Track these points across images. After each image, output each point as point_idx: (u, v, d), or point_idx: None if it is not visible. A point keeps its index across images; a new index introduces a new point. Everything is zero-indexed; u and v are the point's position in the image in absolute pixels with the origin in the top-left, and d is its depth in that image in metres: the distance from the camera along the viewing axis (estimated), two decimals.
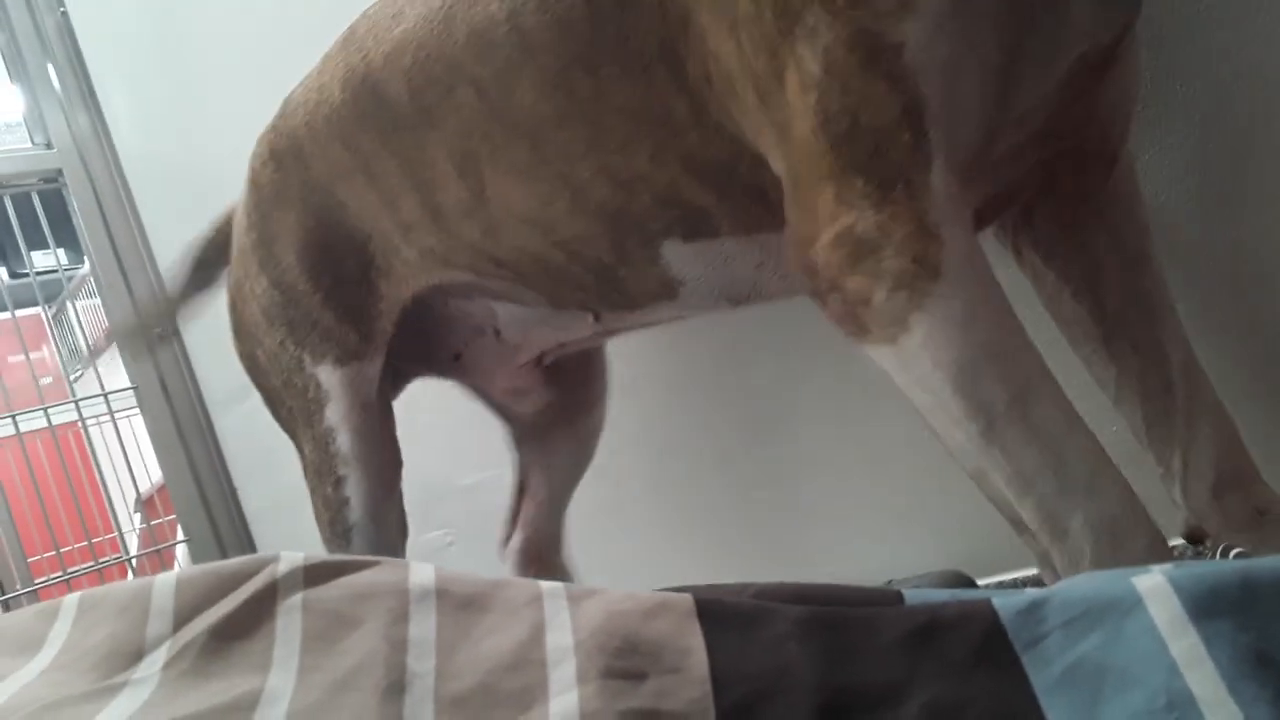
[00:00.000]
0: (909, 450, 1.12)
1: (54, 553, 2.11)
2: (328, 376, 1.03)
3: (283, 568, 0.47)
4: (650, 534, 1.39)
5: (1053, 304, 0.88)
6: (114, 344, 2.64)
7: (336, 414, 1.03)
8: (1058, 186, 0.84)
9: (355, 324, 1.03)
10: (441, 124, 0.87)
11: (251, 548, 2.00)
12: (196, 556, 1.99)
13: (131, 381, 1.99)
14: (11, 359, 2.77)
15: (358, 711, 0.40)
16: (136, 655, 0.46)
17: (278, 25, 1.73)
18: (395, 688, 0.42)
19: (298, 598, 0.46)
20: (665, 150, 0.79)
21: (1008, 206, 0.87)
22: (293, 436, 1.10)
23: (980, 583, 1.16)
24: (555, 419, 1.23)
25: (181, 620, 0.46)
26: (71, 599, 0.51)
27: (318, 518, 1.08)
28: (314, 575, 0.47)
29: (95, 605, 0.50)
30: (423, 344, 1.10)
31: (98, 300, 2.86)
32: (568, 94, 0.80)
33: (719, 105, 0.75)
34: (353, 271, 1.01)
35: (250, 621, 0.46)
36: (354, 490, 1.03)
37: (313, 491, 1.08)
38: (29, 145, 2.03)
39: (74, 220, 2.01)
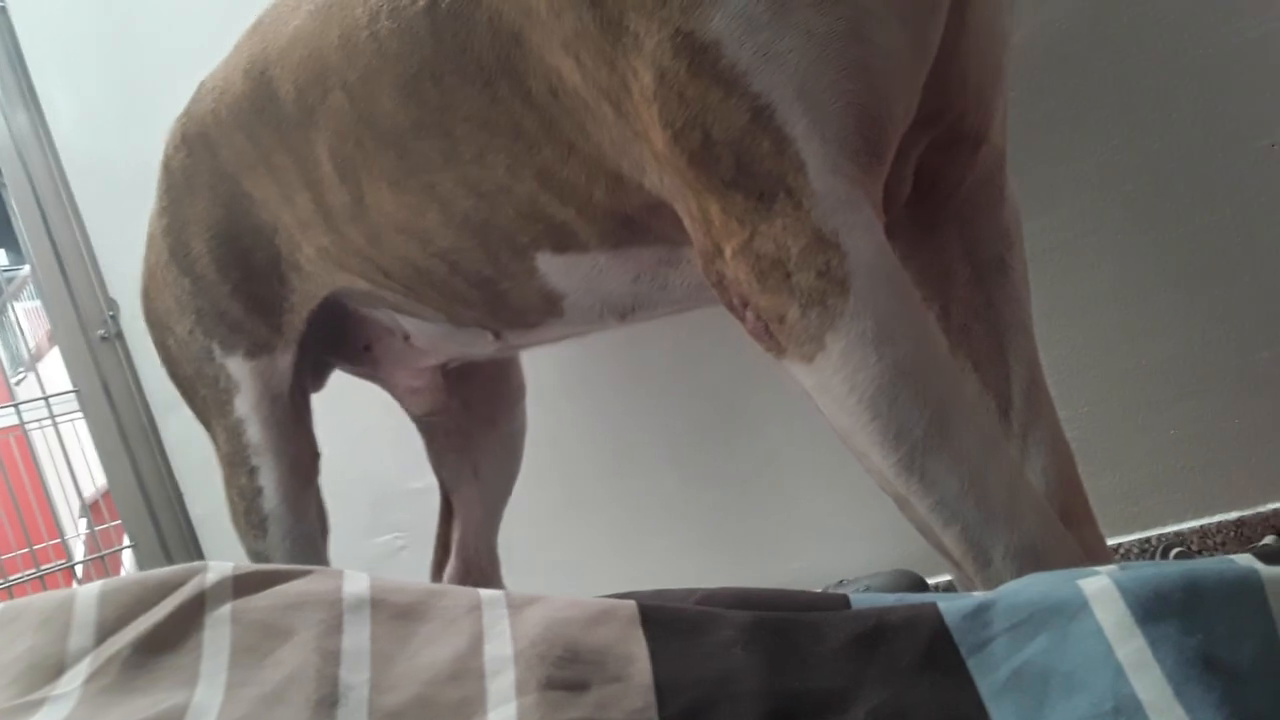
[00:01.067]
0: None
1: None
2: (237, 367, 1.02)
3: (211, 577, 0.46)
4: (602, 536, 1.39)
5: None
6: (55, 347, 2.59)
7: (246, 404, 1.02)
8: (921, 181, 0.76)
9: (265, 317, 1.02)
10: (323, 125, 0.86)
11: (198, 552, 1.96)
12: (143, 562, 1.96)
13: (74, 385, 1.95)
14: None
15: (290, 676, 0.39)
16: (57, 670, 0.44)
17: (219, 22, 1.70)
18: (327, 701, 0.40)
19: (226, 609, 0.45)
20: (520, 164, 0.76)
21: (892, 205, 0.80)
22: (207, 426, 1.09)
23: (930, 582, 1.16)
24: (475, 424, 1.22)
25: (105, 633, 0.45)
26: None
27: (232, 508, 1.08)
28: (243, 585, 0.46)
29: (15, 618, 0.48)
30: (337, 334, 1.09)
31: (39, 302, 2.80)
32: (420, 103, 0.78)
33: (572, 122, 0.71)
34: (262, 264, 1.00)
35: (177, 634, 0.44)
36: (267, 479, 1.03)
37: (227, 482, 1.07)
38: None
39: (13, 221, 1.96)
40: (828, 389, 0.61)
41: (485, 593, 0.48)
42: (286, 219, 0.96)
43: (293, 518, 1.04)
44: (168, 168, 1.05)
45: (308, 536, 1.05)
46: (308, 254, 0.97)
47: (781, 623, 0.46)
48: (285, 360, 1.03)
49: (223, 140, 0.97)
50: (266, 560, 1.04)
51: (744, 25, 0.59)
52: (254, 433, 1.02)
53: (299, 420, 1.06)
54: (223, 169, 0.98)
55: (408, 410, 1.19)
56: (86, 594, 0.47)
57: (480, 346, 1.02)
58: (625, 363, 1.31)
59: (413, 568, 1.49)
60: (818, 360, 0.61)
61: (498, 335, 0.98)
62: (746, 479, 1.27)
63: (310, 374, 1.09)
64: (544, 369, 1.27)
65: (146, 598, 0.46)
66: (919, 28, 0.62)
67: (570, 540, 1.39)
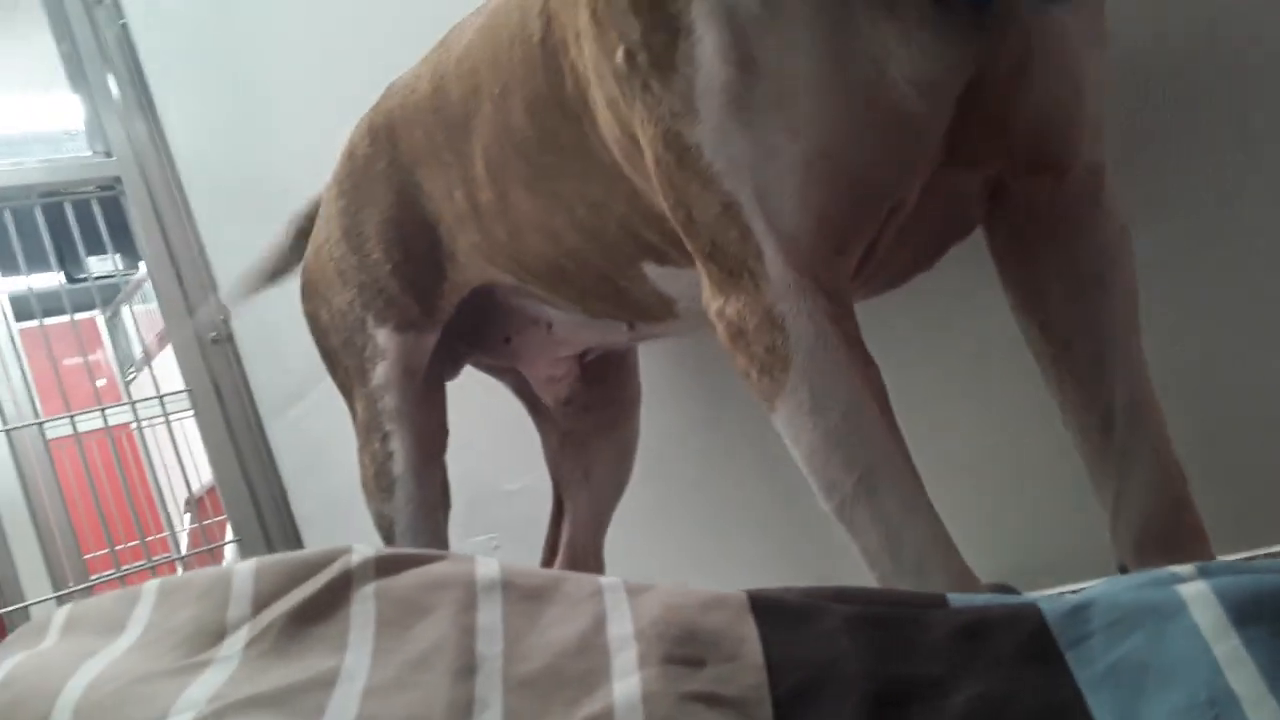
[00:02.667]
0: (953, 463, 1.13)
1: (108, 550, 2.16)
2: (385, 338, 1.09)
3: (356, 558, 0.50)
4: (692, 542, 1.40)
5: (1014, 315, 0.83)
6: (168, 347, 2.70)
7: (388, 374, 1.09)
8: (1005, 198, 0.78)
9: (418, 298, 1.08)
10: (478, 130, 0.94)
11: (300, 548, 2.03)
12: (246, 557, 2.03)
13: (186, 385, 2.03)
14: (68, 361, 2.83)
15: (431, 689, 0.43)
16: (219, 635, 0.48)
17: (330, 38, 1.77)
18: (466, 669, 0.44)
19: (370, 587, 0.48)
20: (611, 190, 0.83)
21: (957, 232, 0.82)
22: (347, 396, 1.16)
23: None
24: (593, 427, 1.25)
25: (261, 604, 0.49)
26: (151, 584, 0.54)
27: (363, 471, 1.13)
28: (385, 566, 0.50)
29: (176, 590, 0.52)
30: (478, 324, 1.15)
31: (153, 304, 2.92)
32: (539, 123, 0.86)
33: (629, 165, 0.79)
34: (423, 250, 1.06)
35: (326, 607, 0.48)
36: (398, 446, 1.09)
37: (360, 448, 1.13)
38: (88, 153, 2.09)
39: (131, 226, 2.06)
40: (785, 439, 0.71)
41: (604, 579, 0.51)
42: (447, 213, 1.03)
43: (416, 484, 1.09)
44: (352, 155, 1.12)
45: (429, 505, 1.11)
46: (462, 246, 1.03)
47: (884, 615, 0.49)
48: (429, 340, 1.10)
49: (404, 134, 1.05)
50: (390, 521, 1.11)
51: (720, 137, 0.66)
52: (391, 400, 1.08)
53: (433, 398, 1.12)
54: (400, 160, 1.06)
55: (545, 399, 1.23)
56: (243, 569, 0.51)
57: (616, 335, 1.07)
58: (725, 370, 1.33)
59: None
60: (773, 416, 0.70)
61: (631, 325, 1.03)
62: None
63: (449, 361, 1.16)
64: (646, 374, 1.30)
65: (297, 574, 0.50)
66: (898, 146, 0.67)
67: (665, 545, 1.41)
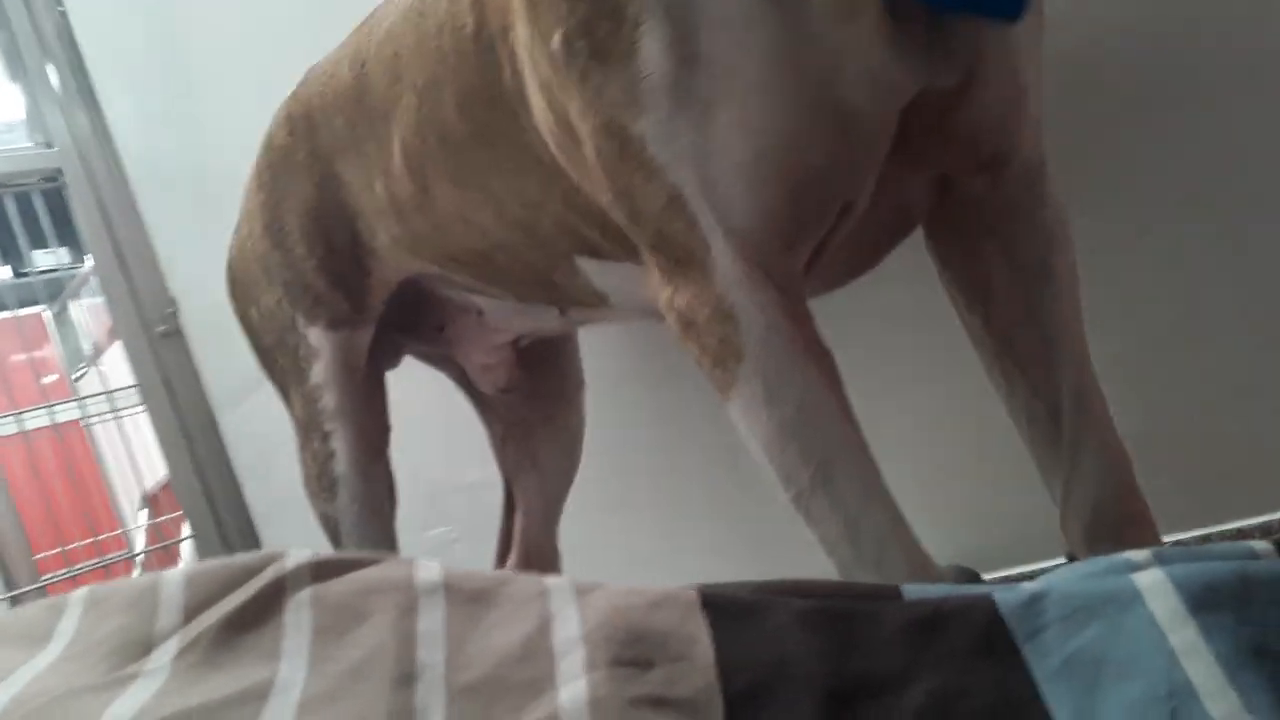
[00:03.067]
0: (912, 445, 1.13)
1: (59, 550, 2.12)
2: (318, 338, 1.07)
3: (290, 563, 0.48)
4: (651, 533, 1.40)
5: (957, 313, 0.84)
6: (115, 343, 2.65)
7: (324, 372, 1.07)
8: (948, 194, 0.79)
9: (346, 293, 1.06)
10: (398, 120, 0.91)
11: (257, 544, 2.00)
12: (203, 553, 2.00)
13: (136, 379, 1.99)
14: (14, 358, 2.77)
15: (370, 699, 0.41)
16: (146, 647, 0.46)
17: (275, 24, 1.74)
18: (406, 678, 0.42)
19: (306, 592, 0.47)
20: (547, 187, 0.82)
21: (904, 228, 0.82)
22: (284, 395, 1.14)
23: (985, 578, 1.17)
24: (536, 415, 1.25)
25: (191, 613, 0.47)
26: (79, 593, 0.52)
27: (305, 471, 1.12)
28: (321, 571, 0.48)
29: (104, 599, 0.50)
30: (411, 314, 1.13)
31: (100, 299, 2.87)
32: (471, 117, 0.84)
33: (564, 156, 0.77)
34: (345, 244, 1.04)
35: (260, 615, 0.46)
36: (340, 444, 1.07)
37: (301, 448, 1.12)
38: (29, 145, 2.04)
39: (75, 219, 2.01)
40: (740, 430, 0.70)
41: (550, 580, 0.50)
42: (366, 205, 1.00)
43: (361, 483, 1.08)
44: (270, 145, 1.09)
45: (375, 503, 1.09)
46: (382, 240, 1.01)
47: (838, 610, 0.48)
48: (363, 335, 1.08)
49: (324, 123, 1.02)
50: (335, 522, 1.09)
51: (666, 130, 0.65)
52: (329, 399, 1.06)
53: (372, 394, 1.11)
54: (320, 149, 1.03)
55: (483, 388, 1.22)
56: (172, 577, 0.49)
57: (548, 321, 1.06)
58: (678, 357, 1.32)
59: (466, 561, 1.52)
60: (727, 407, 0.70)
61: (562, 311, 1.02)
62: None
63: (387, 352, 1.15)
64: (599, 362, 1.29)
65: (230, 581, 0.48)
66: (847, 148, 0.67)
67: (623, 534, 1.40)
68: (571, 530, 1.29)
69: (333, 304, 1.06)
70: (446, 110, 0.85)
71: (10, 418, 2.10)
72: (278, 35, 1.69)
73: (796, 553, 1.29)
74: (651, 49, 0.64)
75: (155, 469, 2.35)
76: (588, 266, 0.88)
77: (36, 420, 2.17)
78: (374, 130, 0.95)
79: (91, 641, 0.47)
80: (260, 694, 0.41)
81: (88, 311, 3.20)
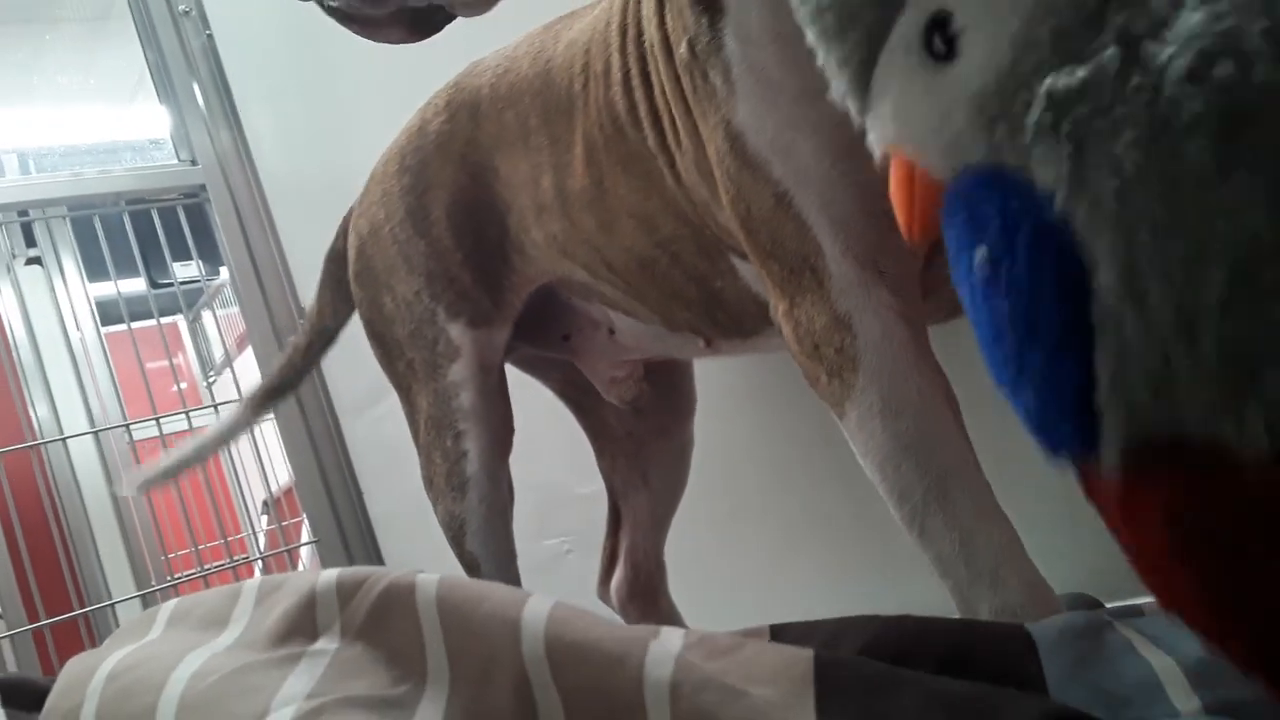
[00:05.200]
0: (1032, 471, 1.10)
1: (190, 550, 2.20)
2: (459, 334, 1.05)
3: (422, 579, 0.50)
4: (763, 549, 1.38)
5: None
6: (246, 351, 2.74)
7: (464, 371, 1.05)
8: None
9: (489, 291, 1.05)
10: (580, 110, 0.91)
11: (375, 548, 2.06)
12: (324, 558, 2.06)
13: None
14: (152, 364, 2.89)
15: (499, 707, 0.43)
16: (312, 635, 0.49)
17: (412, 49, 1.79)
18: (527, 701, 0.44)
19: (434, 611, 0.49)
20: (701, 173, 0.80)
21: None
22: (404, 390, 1.13)
23: (1109, 605, 1.14)
24: (649, 431, 1.23)
25: (344, 610, 0.50)
26: (252, 583, 0.57)
27: (431, 470, 1.10)
28: (447, 593, 0.50)
29: (274, 589, 0.54)
30: (536, 319, 1.11)
31: (233, 309, 2.98)
32: (634, 100, 0.83)
33: (698, 172, 0.77)
34: (493, 240, 1.03)
35: (397, 625, 0.49)
36: (473, 445, 1.06)
37: (428, 445, 1.09)
38: (174, 162, 2.14)
39: (215, 232, 2.10)
40: (853, 445, 0.69)
41: (664, 631, 0.49)
42: (524, 201, 0.99)
43: (490, 485, 1.07)
44: (422, 130, 1.08)
45: (500, 505, 1.08)
46: (535, 238, 1.00)
47: (966, 696, 0.45)
48: (501, 335, 1.07)
49: (491, 114, 1.01)
50: (461, 522, 1.08)
51: (757, 119, 0.65)
52: (466, 399, 1.05)
53: (502, 395, 1.09)
54: (480, 141, 1.02)
55: (608, 398, 1.20)
56: (327, 577, 0.52)
57: (689, 351, 1.05)
58: (794, 377, 1.32)
59: (579, 572, 1.53)
60: (843, 422, 0.68)
61: (709, 342, 0.99)
62: None
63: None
64: (712, 380, 1.29)
65: (366, 591, 0.51)
66: None
67: (731, 552, 1.39)
68: (678, 547, 1.27)
69: (476, 300, 1.05)
70: (615, 94, 0.85)
71: (150, 422, 2.19)
72: (413, 59, 1.74)
73: (909, 572, 1.27)
74: (738, 35, 0.65)
75: (278, 475, 2.42)
76: (744, 269, 0.85)
77: (173, 425, 2.26)
78: (551, 124, 0.95)
79: (264, 626, 0.50)
80: (414, 693, 0.44)
81: (220, 321, 3.34)
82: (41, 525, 2.53)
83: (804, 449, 1.28)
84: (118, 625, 2.03)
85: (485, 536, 1.08)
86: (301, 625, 0.50)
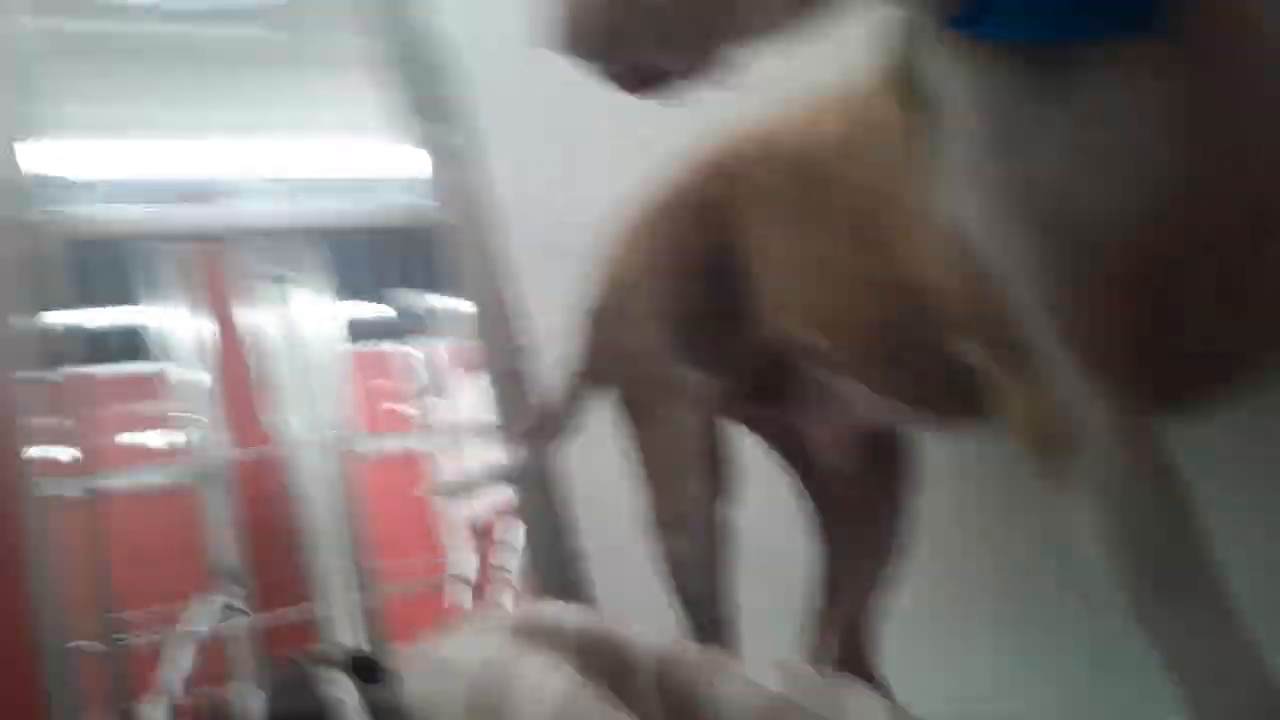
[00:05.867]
0: (1250, 558, 1.05)
1: (400, 562, 2.30)
2: (693, 383, 1.10)
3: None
4: (969, 628, 1.36)
5: None
6: (464, 378, 2.87)
7: (694, 418, 1.11)
8: None
9: (725, 346, 1.10)
10: (833, 189, 0.94)
11: (586, 581, 2.11)
12: (538, 582, 2.12)
13: (499, 418, 2.16)
14: (379, 381, 3.02)
15: None
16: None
17: (654, 104, 1.85)
18: None
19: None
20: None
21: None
22: (632, 429, 1.18)
23: None
24: (869, 496, 1.23)
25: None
26: (572, 612, 0.66)
27: (657, 510, 1.15)
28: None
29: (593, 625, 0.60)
30: (765, 379, 1.15)
31: (444, 340, 3.12)
32: (856, 192, 0.89)
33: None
34: (734, 298, 1.08)
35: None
36: (699, 488, 1.10)
37: (655, 486, 1.15)
38: (421, 200, 2.27)
39: (455, 268, 2.21)
40: (1075, 529, 0.68)
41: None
42: (770, 265, 1.04)
43: (711, 527, 1.12)
44: (675, 189, 1.14)
45: (720, 548, 1.12)
46: (776, 302, 1.05)
47: None
48: (732, 389, 1.11)
49: (742, 181, 1.07)
50: (682, 561, 1.13)
51: (978, 219, 0.68)
52: (694, 444, 1.10)
53: (727, 444, 1.13)
54: (730, 204, 1.08)
55: (830, 463, 1.22)
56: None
57: (920, 424, 1.08)
58: (1008, 452, 1.30)
59: (774, 626, 1.53)
60: (1066, 504, 0.68)
61: (941, 417, 1.03)
62: None
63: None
64: (936, 460, 1.26)
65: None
66: (1150, 180, 0.65)
67: (940, 628, 1.38)
68: (890, 623, 1.26)
69: (712, 353, 1.10)
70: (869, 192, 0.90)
71: (372, 439, 2.30)
72: (654, 112, 1.80)
73: (1130, 661, 1.23)
74: (952, 144, 0.69)
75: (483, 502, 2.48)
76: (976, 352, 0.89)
77: (392, 444, 2.36)
78: (800, 197, 1.00)
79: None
80: None
81: (437, 350, 3.50)
82: (282, 525, 2.72)
83: (1018, 526, 1.25)
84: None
85: (704, 576, 1.13)
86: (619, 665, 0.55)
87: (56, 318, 1.81)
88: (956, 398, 0.96)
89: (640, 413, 1.18)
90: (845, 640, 1.24)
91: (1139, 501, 0.66)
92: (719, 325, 1.10)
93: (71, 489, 1.79)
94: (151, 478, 1.99)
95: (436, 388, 3.51)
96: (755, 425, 1.25)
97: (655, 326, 1.14)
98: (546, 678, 0.56)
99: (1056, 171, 0.65)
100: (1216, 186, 0.66)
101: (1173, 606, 0.65)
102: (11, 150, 1.85)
